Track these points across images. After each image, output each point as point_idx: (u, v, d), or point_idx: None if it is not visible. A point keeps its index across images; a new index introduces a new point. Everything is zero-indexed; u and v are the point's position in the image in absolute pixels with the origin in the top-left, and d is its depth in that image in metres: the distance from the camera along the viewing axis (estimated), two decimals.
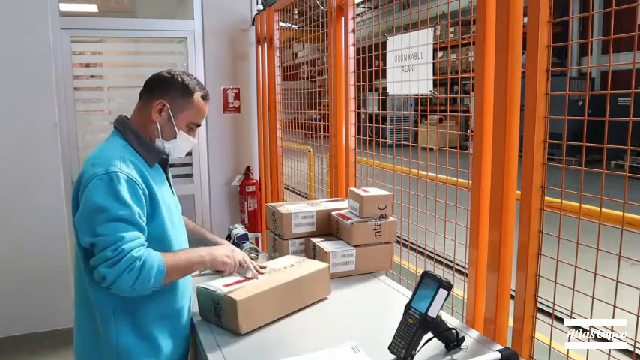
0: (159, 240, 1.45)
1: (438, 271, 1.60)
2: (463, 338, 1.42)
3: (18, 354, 3.27)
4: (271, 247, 2.23)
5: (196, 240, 1.80)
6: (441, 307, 1.37)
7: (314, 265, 1.78)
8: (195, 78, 1.57)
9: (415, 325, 1.33)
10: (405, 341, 1.33)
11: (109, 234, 1.31)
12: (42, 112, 3.34)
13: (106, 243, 1.31)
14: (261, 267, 1.72)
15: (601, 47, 11.90)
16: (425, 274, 1.40)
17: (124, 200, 1.34)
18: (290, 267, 1.76)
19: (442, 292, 1.34)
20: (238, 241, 2.08)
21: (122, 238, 1.32)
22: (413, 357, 1.33)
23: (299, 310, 1.68)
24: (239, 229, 2.15)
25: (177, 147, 1.56)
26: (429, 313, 1.33)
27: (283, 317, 1.63)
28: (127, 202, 1.34)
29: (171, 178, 1.65)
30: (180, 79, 1.52)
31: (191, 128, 1.56)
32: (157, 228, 1.45)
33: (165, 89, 1.51)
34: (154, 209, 1.45)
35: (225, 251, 1.59)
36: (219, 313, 1.55)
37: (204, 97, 1.57)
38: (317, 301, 1.75)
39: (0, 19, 3.19)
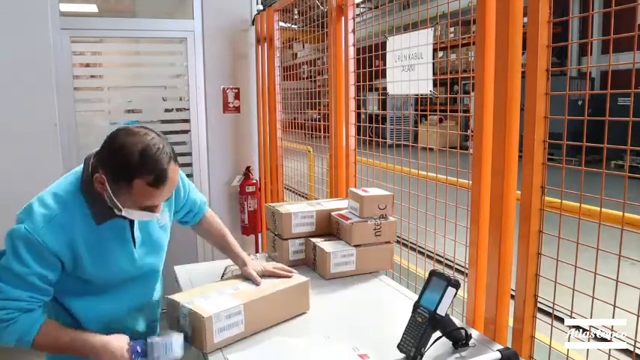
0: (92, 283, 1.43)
1: None
2: (471, 336, 1.43)
3: (18, 354, 3.26)
4: (271, 247, 2.23)
5: (220, 247, 1.80)
6: (450, 306, 1.37)
7: (294, 279, 1.68)
8: (156, 154, 1.24)
9: (424, 324, 1.33)
10: (414, 340, 1.33)
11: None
12: (42, 112, 3.33)
13: None
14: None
15: (601, 47, 11.89)
16: (433, 272, 1.40)
17: (22, 259, 1.29)
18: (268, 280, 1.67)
19: (451, 291, 1.34)
20: None
21: (1, 292, 1.29)
22: (422, 355, 1.33)
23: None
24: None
25: (135, 217, 1.36)
26: (438, 312, 1.33)
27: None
28: (25, 261, 1.29)
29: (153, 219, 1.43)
30: (119, 159, 1.24)
31: (143, 208, 1.32)
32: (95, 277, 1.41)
33: (101, 161, 1.30)
34: (83, 270, 1.38)
35: (118, 348, 1.36)
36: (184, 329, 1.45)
37: (155, 184, 1.25)
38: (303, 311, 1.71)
39: (0, 19, 3.19)
